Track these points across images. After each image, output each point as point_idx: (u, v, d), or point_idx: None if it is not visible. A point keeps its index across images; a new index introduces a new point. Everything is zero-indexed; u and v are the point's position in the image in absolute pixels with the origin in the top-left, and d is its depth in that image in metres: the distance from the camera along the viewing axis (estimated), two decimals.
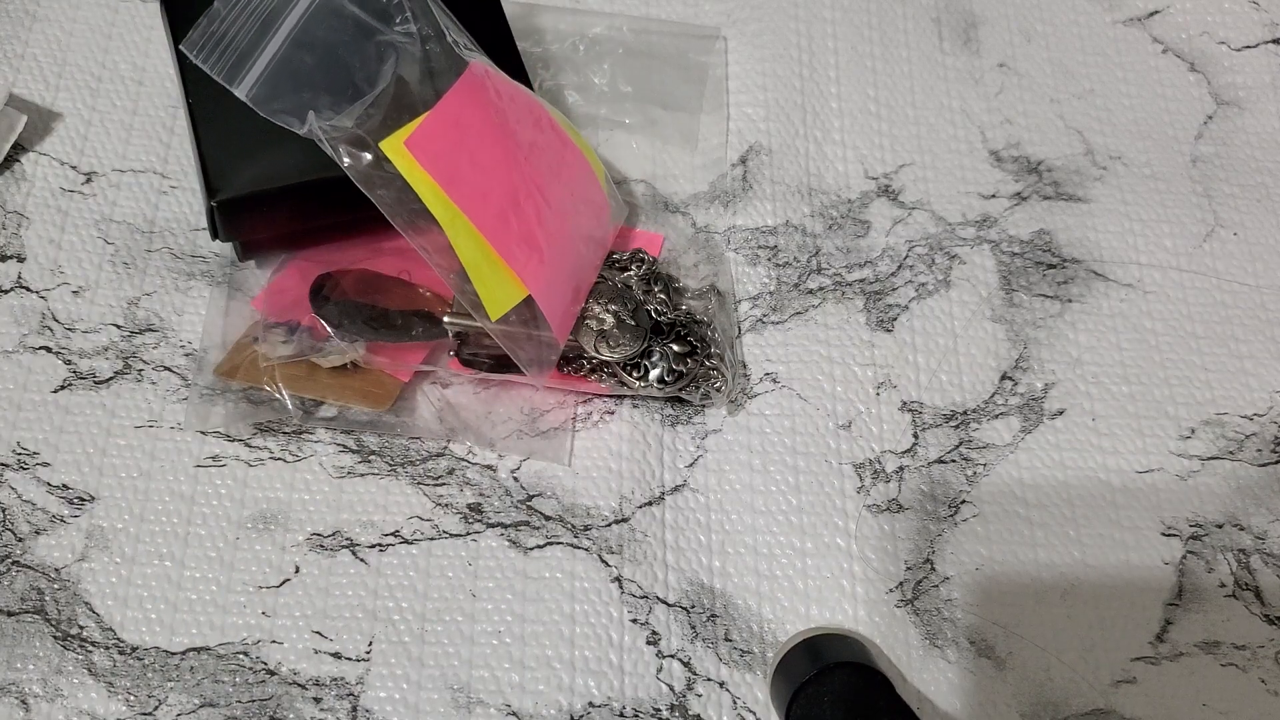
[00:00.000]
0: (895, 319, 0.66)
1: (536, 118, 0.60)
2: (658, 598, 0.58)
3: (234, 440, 0.60)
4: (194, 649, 0.55)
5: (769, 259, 0.67)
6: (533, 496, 0.60)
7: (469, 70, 0.58)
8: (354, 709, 0.55)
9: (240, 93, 0.54)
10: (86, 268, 0.64)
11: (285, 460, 0.60)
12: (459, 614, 0.57)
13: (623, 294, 0.62)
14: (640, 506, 0.60)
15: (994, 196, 0.70)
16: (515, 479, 0.60)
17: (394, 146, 0.55)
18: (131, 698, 0.54)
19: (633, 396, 0.62)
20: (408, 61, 0.57)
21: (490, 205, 0.57)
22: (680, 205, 0.69)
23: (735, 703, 0.56)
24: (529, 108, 0.60)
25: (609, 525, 0.59)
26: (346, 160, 0.54)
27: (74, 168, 0.67)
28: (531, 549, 0.59)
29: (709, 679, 0.56)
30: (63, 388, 0.61)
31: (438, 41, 0.58)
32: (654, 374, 0.60)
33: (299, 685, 0.55)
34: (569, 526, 0.59)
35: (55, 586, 0.56)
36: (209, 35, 0.54)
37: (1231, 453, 0.63)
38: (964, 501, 0.61)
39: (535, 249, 0.58)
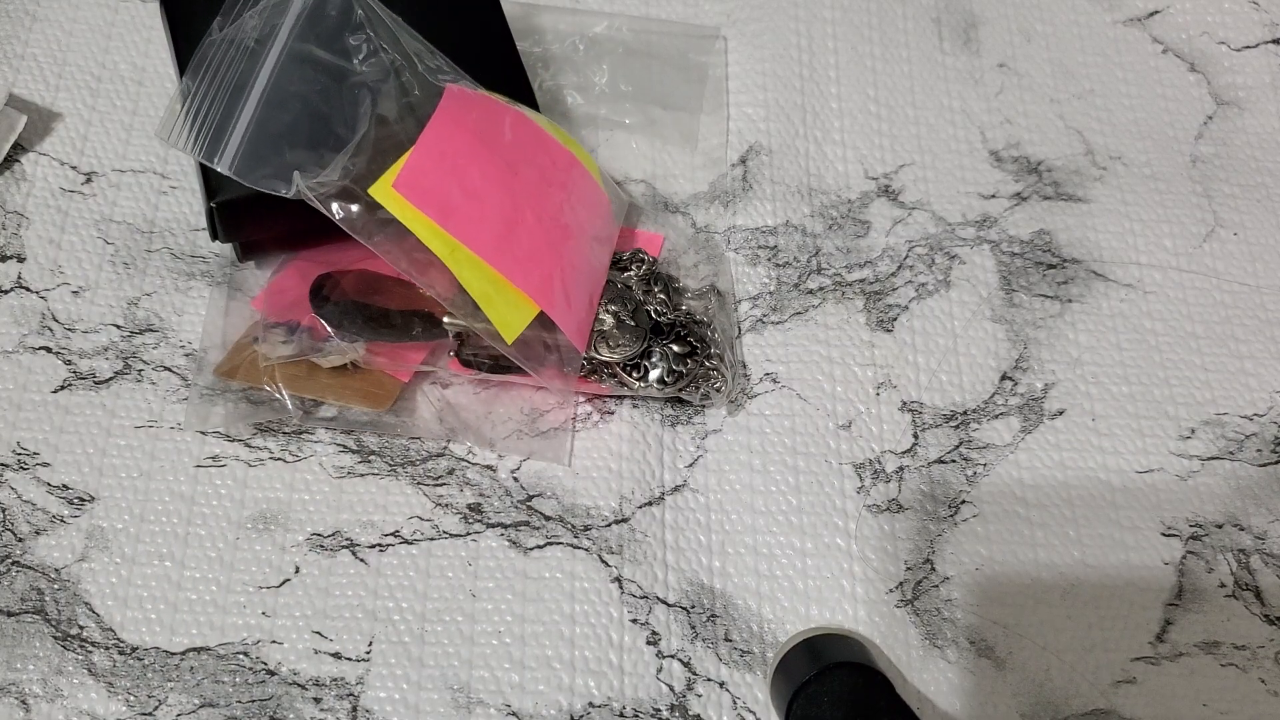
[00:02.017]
0: (895, 319, 0.66)
1: (519, 127, 0.60)
2: (658, 598, 0.58)
3: (234, 440, 0.60)
4: (194, 649, 0.55)
5: (769, 259, 0.67)
6: (533, 496, 0.60)
7: (445, 95, 0.58)
8: (354, 709, 0.55)
9: (221, 167, 0.54)
10: (86, 268, 0.64)
11: (285, 460, 0.60)
12: (459, 614, 0.57)
13: (623, 294, 0.62)
14: (640, 506, 0.60)
15: (994, 196, 0.70)
16: (515, 479, 0.60)
17: (383, 191, 0.55)
18: (131, 698, 0.54)
19: (633, 397, 0.62)
20: (384, 99, 0.57)
21: (488, 230, 0.56)
22: (680, 205, 0.69)
23: (735, 703, 0.56)
24: (511, 119, 0.60)
25: (609, 525, 0.59)
26: (339, 214, 0.54)
27: (74, 168, 0.67)
28: (531, 549, 0.59)
29: (709, 679, 0.56)
30: (63, 388, 0.61)
31: (410, 71, 0.58)
32: (654, 374, 0.60)
33: (299, 685, 0.55)
34: (569, 526, 0.59)
35: (55, 586, 0.56)
36: (181, 116, 0.54)
37: (1231, 453, 0.63)
38: (964, 501, 0.61)
39: (539, 263, 0.57)
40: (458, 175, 0.56)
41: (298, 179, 0.54)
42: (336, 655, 0.56)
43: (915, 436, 0.63)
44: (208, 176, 0.58)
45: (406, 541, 0.58)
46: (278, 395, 0.59)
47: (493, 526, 0.59)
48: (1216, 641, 0.58)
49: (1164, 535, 0.61)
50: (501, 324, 0.56)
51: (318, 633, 0.56)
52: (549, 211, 0.59)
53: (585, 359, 0.60)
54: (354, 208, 0.54)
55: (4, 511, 0.58)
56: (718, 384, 0.61)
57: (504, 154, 0.58)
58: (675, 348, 0.60)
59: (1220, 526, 0.61)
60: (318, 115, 0.56)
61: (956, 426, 0.63)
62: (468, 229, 0.56)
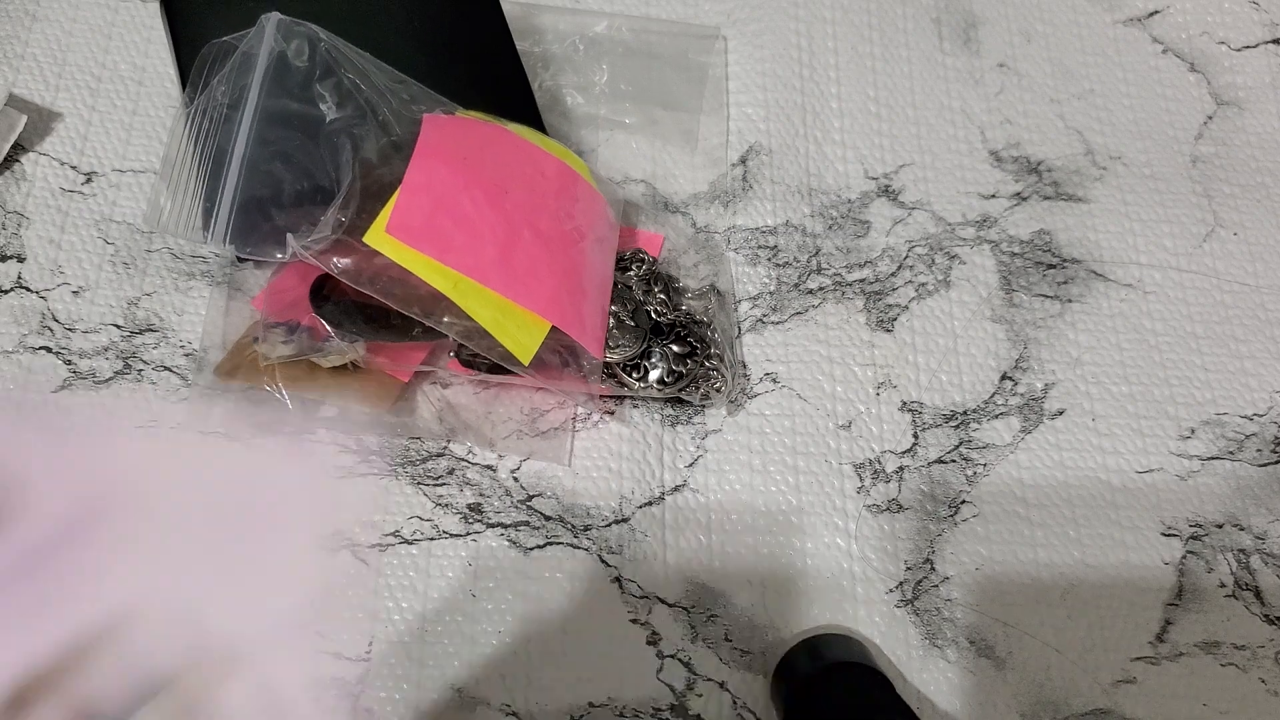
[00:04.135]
0: (895, 319, 0.66)
1: (502, 143, 0.60)
2: (658, 598, 0.58)
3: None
4: None
5: (769, 259, 0.67)
6: (533, 496, 0.60)
7: (424, 126, 0.57)
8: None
9: (214, 242, 0.54)
10: (86, 268, 0.64)
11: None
12: (459, 614, 0.57)
13: (623, 294, 0.62)
14: (640, 506, 0.60)
15: (994, 196, 0.70)
16: (515, 479, 0.60)
17: (378, 237, 0.54)
18: None
19: (633, 397, 0.62)
20: (365, 142, 0.57)
21: (487, 256, 0.56)
22: (680, 205, 0.69)
23: (735, 703, 0.56)
24: (492, 137, 0.59)
25: (609, 525, 0.59)
26: (338, 268, 0.54)
27: (74, 168, 0.67)
28: (531, 549, 0.59)
29: (709, 679, 0.56)
30: (63, 388, 0.61)
31: (386, 107, 0.57)
32: (654, 375, 0.60)
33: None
34: (569, 526, 0.59)
35: None
36: (167, 203, 0.54)
37: (1231, 453, 0.63)
38: (964, 501, 0.61)
39: (543, 278, 0.57)
40: (448, 207, 0.56)
41: (292, 241, 0.54)
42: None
43: (915, 436, 0.63)
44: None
45: (406, 541, 0.58)
46: (278, 395, 0.59)
47: (493, 526, 0.59)
48: (1216, 641, 0.58)
49: (1164, 535, 0.61)
50: (516, 347, 0.56)
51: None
52: (546, 223, 0.59)
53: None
54: (351, 259, 0.54)
55: None
56: (718, 384, 0.61)
57: (491, 175, 0.58)
58: (675, 348, 0.60)
59: (1220, 526, 0.61)
60: (301, 170, 0.56)
61: (956, 426, 0.63)
62: (467, 259, 0.55)
